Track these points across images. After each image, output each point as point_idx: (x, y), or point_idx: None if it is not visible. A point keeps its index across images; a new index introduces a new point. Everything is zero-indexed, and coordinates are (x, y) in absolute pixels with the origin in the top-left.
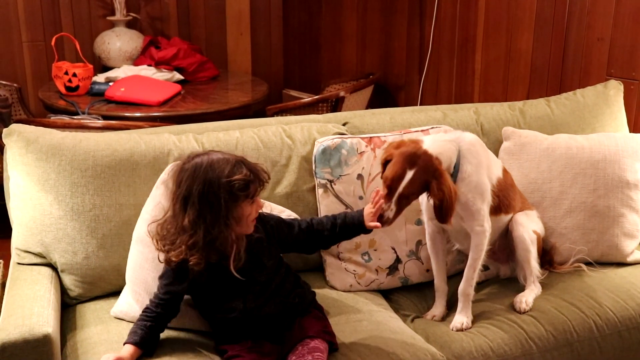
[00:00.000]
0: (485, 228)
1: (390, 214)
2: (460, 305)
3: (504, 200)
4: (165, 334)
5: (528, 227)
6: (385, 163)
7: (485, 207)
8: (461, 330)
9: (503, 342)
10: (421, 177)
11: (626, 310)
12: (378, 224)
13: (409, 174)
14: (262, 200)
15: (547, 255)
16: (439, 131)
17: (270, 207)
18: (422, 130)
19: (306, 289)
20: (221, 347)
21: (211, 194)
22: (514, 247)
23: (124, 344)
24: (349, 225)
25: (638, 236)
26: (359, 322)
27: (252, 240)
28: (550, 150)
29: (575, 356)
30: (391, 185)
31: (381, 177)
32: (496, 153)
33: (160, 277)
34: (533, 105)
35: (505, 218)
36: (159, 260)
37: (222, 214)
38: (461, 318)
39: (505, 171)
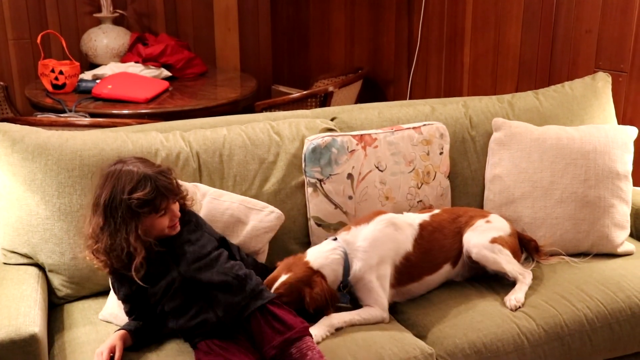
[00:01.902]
0: (381, 310)
1: None
2: (320, 322)
3: (425, 263)
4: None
5: (481, 241)
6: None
7: (383, 295)
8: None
9: (496, 338)
10: (294, 282)
11: (616, 302)
12: None
13: (283, 277)
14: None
15: (530, 243)
16: (432, 129)
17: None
18: (414, 128)
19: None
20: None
21: (113, 207)
22: (482, 267)
23: (116, 331)
24: None
25: (628, 227)
26: None
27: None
28: (541, 141)
29: (566, 350)
30: (268, 286)
31: None
32: (486, 145)
33: (114, 293)
34: (522, 98)
35: (441, 271)
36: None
37: (122, 227)
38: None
39: (425, 227)
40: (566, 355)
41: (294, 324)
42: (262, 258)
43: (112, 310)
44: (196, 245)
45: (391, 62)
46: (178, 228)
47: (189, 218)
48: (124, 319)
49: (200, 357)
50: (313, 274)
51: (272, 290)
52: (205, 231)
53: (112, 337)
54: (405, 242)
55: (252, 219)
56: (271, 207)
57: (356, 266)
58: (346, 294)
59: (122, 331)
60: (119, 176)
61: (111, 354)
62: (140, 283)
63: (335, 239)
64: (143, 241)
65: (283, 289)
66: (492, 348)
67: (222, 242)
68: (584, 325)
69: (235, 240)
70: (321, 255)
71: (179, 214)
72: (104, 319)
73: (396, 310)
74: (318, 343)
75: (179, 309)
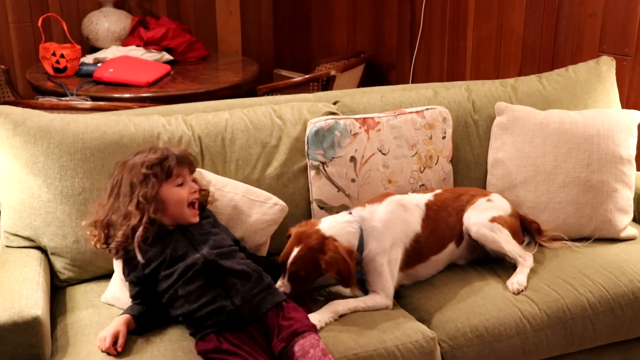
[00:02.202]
0: (386, 298)
1: (285, 289)
2: (325, 308)
3: (432, 242)
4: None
5: (481, 220)
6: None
7: (391, 282)
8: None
9: (498, 322)
10: (307, 253)
11: (619, 287)
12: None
13: (295, 250)
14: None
15: (532, 225)
16: (435, 113)
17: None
18: (417, 112)
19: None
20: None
21: (122, 179)
22: (482, 246)
23: (120, 315)
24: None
25: (631, 212)
26: None
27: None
28: (544, 125)
29: (569, 334)
30: (283, 262)
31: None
32: (488, 130)
33: (123, 275)
34: (525, 82)
35: (446, 250)
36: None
37: (127, 193)
38: (315, 317)
39: (430, 206)
40: (568, 340)
41: (302, 319)
42: (264, 249)
43: (114, 293)
44: (217, 237)
45: (394, 46)
46: (197, 217)
47: (209, 214)
48: (126, 301)
49: (206, 347)
50: (325, 241)
51: (288, 266)
52: (224, 229)
53: (116, 322)
54: (414, 223)
55: (256, 211)
56: (275, 199)
57: (371, 245)
58: (360, 270)
59: (126, 316)
60: (134, 157)
61: (114, 339)
62: (141, 260)
63: (350, 213)
64: (142, 209)
65: (299, 263)
66: (494, 332)
67: (236, 243)
68: (587, 309)
69: (238, 232)
70: (336, 225)
71: (197, 187)
72: (106, 302)
73: (399, 295)
74: (321, 328)
75: (194, 294)
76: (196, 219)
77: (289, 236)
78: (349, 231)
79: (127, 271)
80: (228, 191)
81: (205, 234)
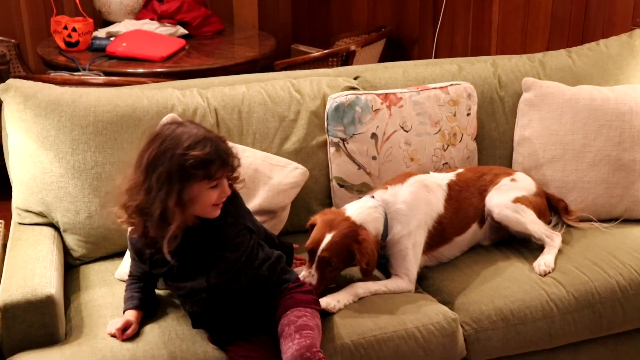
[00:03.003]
0: (409, 282)
1: (312, 279)
2: (345, 290)
3: (455, 223)
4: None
5: (503, 201)
6: (310, 229)
7: (414, 266)
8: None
9: (524, 305)
10: (341, 240)
11: None
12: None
13: (328, 237)
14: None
15: (560, 203)
16: (459, 89)
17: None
18: (440, 88)
19: (282, 268)
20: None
21: (159, 164)
22: (505, 228)
23: (124, 312)
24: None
25: None
26: None
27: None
28: (574, 101)
29: (597, 318)
30: (312, 249)
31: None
32: (515, 106)
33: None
34: (553, 57)
35: (469, 231)
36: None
37: (164, 187)
38: (335, 298)
39: (453, 187)
40: (597, 324)
41: (305, 298)
42: (285, 216)
43: (127, 269)
44: (231, 252)
45: (416, 20)
46: (219, 211)
47: (231, 202)
48: None
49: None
50: (358, 229)
51: (320, 252)
52: (240, 222)
53: (125, 316)
54: (437, 204)
55: (277, 174)
56: (295, 164)
57: (396, 229)
58: (384, 255)
59: (134, 311)
60: (174, 134)
61: (125, 328)
62: (168, 257)
63: (373, 197)
64: (183, 210)
65: (332, 249)
66: (520, 315)
67: (250, 231)
68: (616, 292)
69: (260, 196)
70: (363, 211)
71: (229, 191)
72: (120, 278)
73: (421, 276)
74: (340, 310)
75: (201, 312)
76: (217, 214)
77: (311, 226)
78: (376, 217)
79: (134, 256)
80: (247, 155)
81: (220, 242)
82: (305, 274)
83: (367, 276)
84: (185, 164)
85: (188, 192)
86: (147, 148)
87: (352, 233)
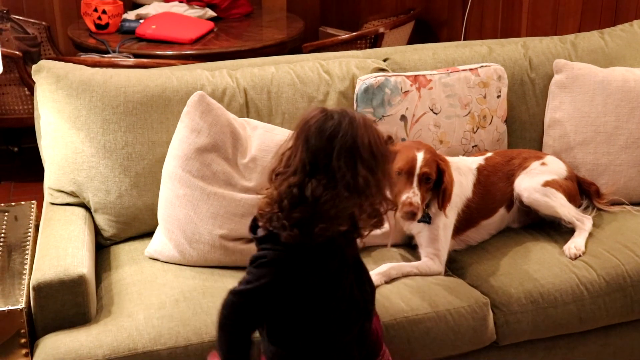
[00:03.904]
0: (440, 264)
1: (417, 199)
2: (377, 271)
3: (482, 208)
4: None
5: (533, 185)
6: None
7: (445, 248)
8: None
9: (554, 288)
10: (432, 157)
11: None
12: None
13: (420, 154)
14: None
15: (591, 186)
16: (490, 71)
17: None
18: (470, 70)
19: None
20: None
21: (354, 153)
22: (535, 212)
23: None
24: None
25: None
26: None
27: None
28: (606, 83)
29: (628, 302)
30: (408, 170)
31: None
32: (546, 88)
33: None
34: (585, 38)
35: (497, 215)
36: None
37: (364, 181)
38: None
39: (482, 171)
40: (628, 308)
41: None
42: None
43: (156, 247)
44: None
45: (445, 1)
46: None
47: None
48: (168, 255)
49: None
50: (437, 153)
51: (419, 169)
52: None
53: None
54: (467, 187)
55: None
56: None
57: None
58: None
59: None
60: (355, 119)
61: None
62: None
63: None
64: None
65: (429, 165)
66: (550, 298)
67: None
68: None
69: None
70: None
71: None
72: (149, 256)
73: (450, 259)
74: None
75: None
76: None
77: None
78: None
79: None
80: (277, 133)
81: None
82: (410, 194)
83: (442, 206)
84: (380, 147)
85: (384, 179)
86: (317, 148)
87: (435, 153)
